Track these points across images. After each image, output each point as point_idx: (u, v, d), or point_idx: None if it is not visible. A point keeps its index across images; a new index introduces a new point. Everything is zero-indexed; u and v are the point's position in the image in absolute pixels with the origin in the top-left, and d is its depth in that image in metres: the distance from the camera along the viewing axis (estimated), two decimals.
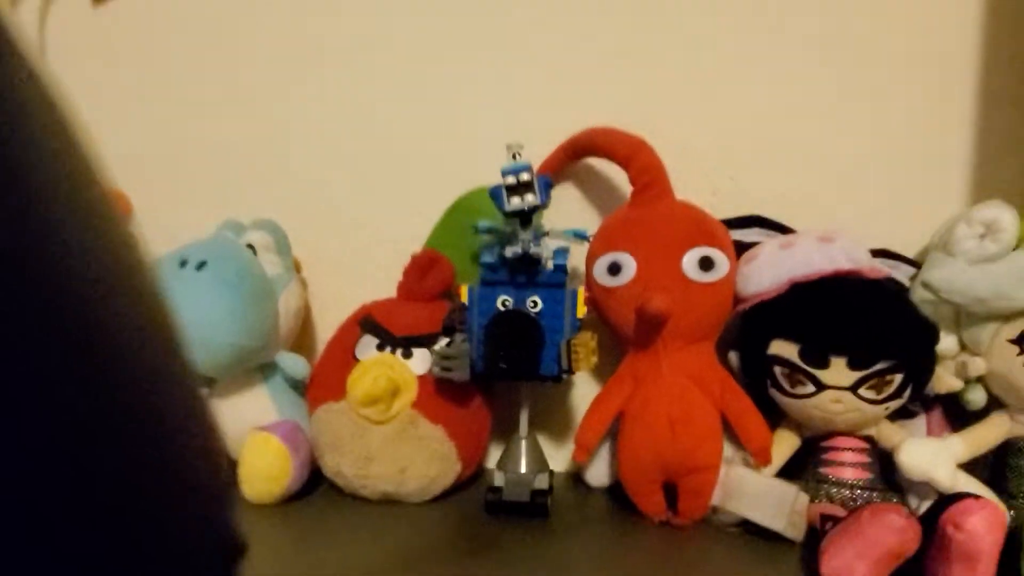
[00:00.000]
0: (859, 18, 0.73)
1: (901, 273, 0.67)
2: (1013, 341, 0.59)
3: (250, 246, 0.77)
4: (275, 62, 0.86)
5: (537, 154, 0.76)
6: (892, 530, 0.49)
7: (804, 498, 0.62)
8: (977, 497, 0.50)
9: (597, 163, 0.80)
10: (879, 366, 0.59)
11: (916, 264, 0.67)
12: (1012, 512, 0.57)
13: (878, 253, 0.68)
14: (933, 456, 0.60)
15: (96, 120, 0.93)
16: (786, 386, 0.63)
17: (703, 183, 0.75)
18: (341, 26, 0.84)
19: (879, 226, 0.70)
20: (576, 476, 0.78)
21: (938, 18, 0.72)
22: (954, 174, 0.73)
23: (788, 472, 0.67)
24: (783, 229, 0.72)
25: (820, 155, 0.75)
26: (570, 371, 0.65)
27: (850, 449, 0.64)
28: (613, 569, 0.60)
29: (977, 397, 0.63)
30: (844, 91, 0.74)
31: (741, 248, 0.71)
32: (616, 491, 0.72)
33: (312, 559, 0.61)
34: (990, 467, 0.63)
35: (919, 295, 0.63)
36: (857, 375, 0.60)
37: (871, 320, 0.60)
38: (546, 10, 0.79)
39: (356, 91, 0.85)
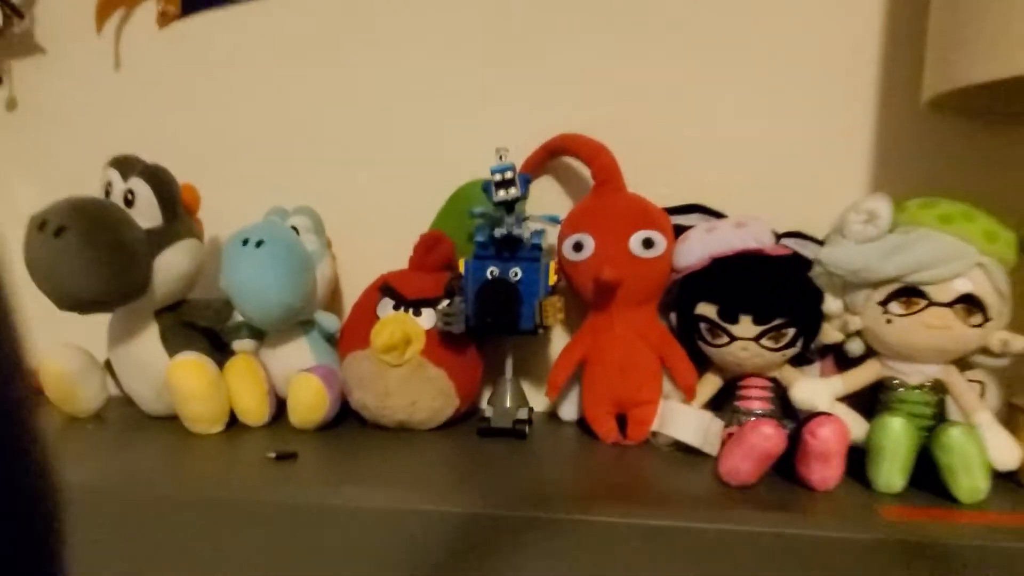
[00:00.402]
0: (775, 33, 0.82)
1: (809, 251, 0.73)
2: (879, 303, 0.68)
3: (293, 228, 0.85)
4: (310, 81, 0.96)
5: (520, 154, 0.85)
6: (764, 436, 0.61)
7: (719, 423, 0.74)
8: (829, 414, 0.63)
9: (567, 162, 0.89)
10: (776, 322, 0.69)
11: (822, 243, 0.73)
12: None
13: (791, 234, 0.75)
14: (816, 391, 0.71)
15: (164, 124, 1.10)
16: (708, 338, 0.73)
17: (658, 177, 0.83)
18: (367, 53, 0.94)
19: (794, 212, 0.77)
20: (552, 414, 0.88)
21: (843, 26, 0.79)
22: (857, 167, 0.81)
23: (712, 405, 0.77)
24: (717, 215, 0.80)
25: (749, 154, 0.84)
26: (543, 326, 0.75)
27: (757, 387, 0.74)
28: (576, 477, 0.67)
29: (855, 347, 0.71)
30: (770, 100, 0.83)
31: (682, 230, 0.78)
32: (582, 424, 0.82)
33: (344, 471, 0.69)
34: (866, 401, 0.72)
35: (815, 269, 0.72)
36: (759, 329, 0.70)
37: (770, 287, 0.69)
38: (531, 43, 0.89)
39: (376, 105, 0.94)
